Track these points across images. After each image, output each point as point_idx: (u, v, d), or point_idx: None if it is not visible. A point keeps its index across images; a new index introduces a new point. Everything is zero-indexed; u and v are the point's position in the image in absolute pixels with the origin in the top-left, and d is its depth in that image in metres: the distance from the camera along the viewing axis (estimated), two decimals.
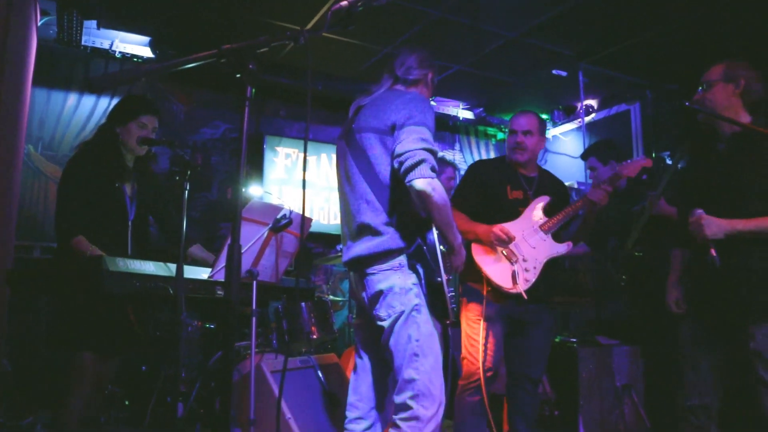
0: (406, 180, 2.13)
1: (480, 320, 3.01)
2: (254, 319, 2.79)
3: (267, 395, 2.98)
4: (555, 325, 3.23)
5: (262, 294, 2.96)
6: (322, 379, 3.30)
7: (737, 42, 4.55)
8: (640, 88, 5.69)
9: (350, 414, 2.40)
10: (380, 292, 2.21)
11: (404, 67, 2.43)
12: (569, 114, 6.57)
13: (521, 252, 3.02)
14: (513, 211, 3.11)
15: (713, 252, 2.33)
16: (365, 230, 2.26)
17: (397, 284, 2.19)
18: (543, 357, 3.16)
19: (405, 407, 2.11)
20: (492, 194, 3.16)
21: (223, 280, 2.70)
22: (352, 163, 2.34)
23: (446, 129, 7.08)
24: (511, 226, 3.00)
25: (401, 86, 2.43)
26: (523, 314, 3.07)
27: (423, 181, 2.10)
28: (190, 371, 3.51)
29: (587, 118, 6.27)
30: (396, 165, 2.17)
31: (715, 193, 2.49)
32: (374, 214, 2.25)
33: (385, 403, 2.43)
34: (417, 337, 2.15)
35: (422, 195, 2.12)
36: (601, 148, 4.08)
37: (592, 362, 3.94)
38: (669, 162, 5.13)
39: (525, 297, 2.94)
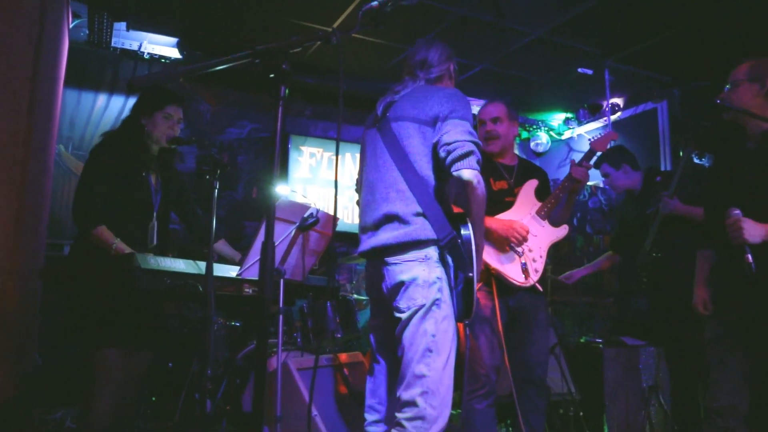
0: (454, 168, 2.13)
1: (479, 321, 2.91)
2: (281, 316, 2.82)
3: (293, 392, 3.02)
4: (551, 323, 3.17)
5: (288, 292, 2.99)
6: (347, 376, 3.32)
7: (766, 37, 4.48)
8: (668, 86, 5.62)
9: (369, 417, 2.38)
10: (401, 284, 2.16)
11: (426, 68, 2.42)
12: (595, 113, 6.50)
13: (526, 243, 2.95)
14: (501, 203, 3.05)
15: (749, 258, 2.26)
16: (391, 219, 2.21)
17: (421, 276, 2.13)
18: (543, 358, 3.04)
19: (412, 404, 2.04)
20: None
21: (251, 278, 2.74)
22: (384, 152, 2.30)
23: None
24: (511, 217, 2.98)
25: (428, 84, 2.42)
26: (518, 309, 2.98)
27: (471, 172, 2.11)
28: (215, 368, 3.55)
29: (613, 117, 6.20)
30: (443, 154, 2.16)
31: (745, 193, 2.45)
32: (404, 204, 2.20)
33: None
34: (433, 332, 2.09)
35: (468, 186, 2.12)
36: (611, 154, 4.07)
37: (618, 363, 3.92)
38: (697, 161, 5.06)
39: (540, 289, 2.93)
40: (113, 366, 2.74)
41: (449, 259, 2.18)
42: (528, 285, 2.90)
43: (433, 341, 2.08)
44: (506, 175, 3.15)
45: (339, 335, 3.60)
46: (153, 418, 4.06)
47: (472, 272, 2.13)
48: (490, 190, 3.03)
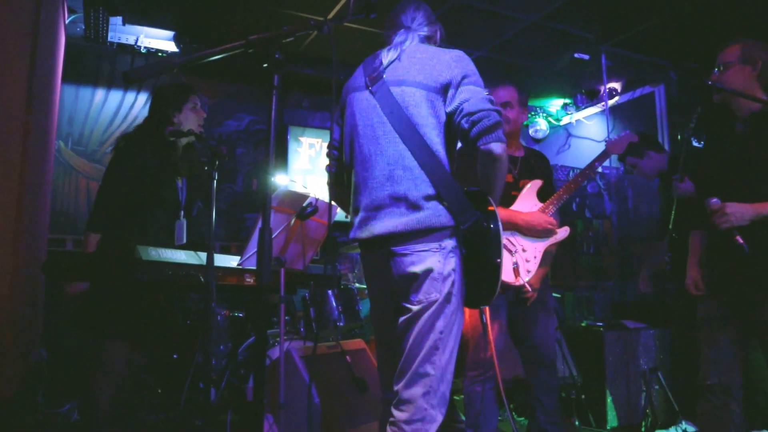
0: (481, 141, 1.90)
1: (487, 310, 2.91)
2: (282, 306, 2.85)
3: (296, 380, 3.05)
4: (556, 305, 3.19)
5: (289, 281, 3.01)
6: (350, 364, 3.36)
7: (760, 18, 4.47)
8: (664, 69, 5.62)
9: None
10: (413, 276, 1.93)
11: (415, 22, 2.19)
12: (592, 98, 6.51)
13: (519, 242, 2.93)
14: (505, 195, 2.92)
15: (740, 239, 2.29)
16: (398, 202, 1.96)
17: (437, 268, 1.91)
18: (549, 339, 3.03)
19: (411, 404, 1.88)
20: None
21: (252, 267, 2.76)
22: (383, 121, 2.02)
23: None
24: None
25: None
26: (521, 299, 2.98)
27: (501, 146, 1.91)
28: (219, 359, 3.59)
29: (611, 102, 6.21)
30: (466, 125, 1.93)
31: (734, 174, 2.46)
32: (413, 184, 1.95)
33: None
34: (441, 329, 1.91)
35: (497, 160, 1.92)
36: (632, 147, 4.07)
37: (619, 346, 3.95)
38: (695, 144, 5.07)
39: (529, 289, 2.87)
40: (117, 357, 2.77)
41: (463, 246, 1.99)
42: (517, 285, 2.87)
43: (440, 338, 1.91)
44: (510, 166, 3.04)
45: (341, 323, 3.64)
46: (158, 408, 4.10)
47: (500, 258, 1.95)
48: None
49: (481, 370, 2.89)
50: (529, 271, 2.90)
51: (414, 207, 1.93)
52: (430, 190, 1.94)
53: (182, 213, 2.93)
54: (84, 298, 2.77)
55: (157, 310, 2.94)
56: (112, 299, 2.72)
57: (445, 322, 1.92)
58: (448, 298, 1.92)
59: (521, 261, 2.90)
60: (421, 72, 2.01)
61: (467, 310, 2.88)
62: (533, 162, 3.13)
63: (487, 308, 2.89)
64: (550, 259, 3.07)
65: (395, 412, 1.90)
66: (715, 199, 2.36)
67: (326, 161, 2.33)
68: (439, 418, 1.89)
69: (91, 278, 2.63)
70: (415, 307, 1.93)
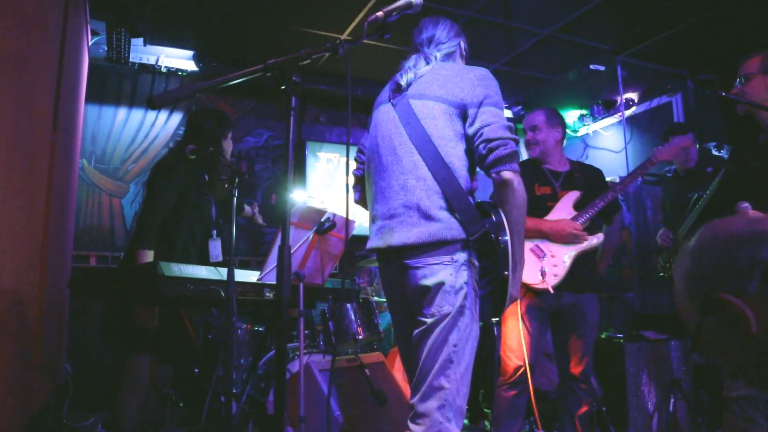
0: (496, 169, 1.93)
1: (513, 317, 3.07)
2: (302, 320, 2.88)
3: (316, 393, 3.07)
4: (600, 319, 3.22)
5: (308, 296, 3.06)
6: (369, 377, 3.37)
7: None
8: (681, 78, 5.60)
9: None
10: (426, 289, 1.94)
11: (434, 45, 2.23)
12: (609, 108, 6.50)
13: (549, 248, 3.06)
14: (542, 207, 3.14)
15: None
16: (410, 211, 1.98)
17: (449, 282, 1.92)
18: (584, 353, 3.12)
19: (428, 417, 1.88)
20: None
21: (272, 282, 2.80)
22: (401, 132, 2.05)
23: None
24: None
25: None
26: (561, 307, 3.11)
27: (511, 174, 1.92)
28: (240, 373, 3.63)
29: (628, 112, 6.20)
30: (483, 151, 1.95)
31: (757, 185, 2.47)
32: (426, 194, 1.97)
33: None
34: (455, 342, 1.91)
35: (508, 186, 1.93)
36: (673, 127, 4.06)
37: (640, 357, 3.92)
38: (715, 152, 5.04)
39: (551, 291, 2.96)
40: (143, 371, 2.85)
41: (476, 259, 2.00)
42: (541, 287, 2.98)
43: (455, 351, 1.91)
44: (552, 179, 3.23)
45: (360, 337, 3.66)
46: (180, 422, 4.15)
47: (508, 270, 1.95)
48: (532, 195, 3.14)
49: (508, 377, 3.04)
50: (556, 275, 3.01)
51: (426, 217, 1.95)
52: (442, 202, 1.96)
53: (215, 232, 3.09)
54: (109, 311, 2.86)
55: (180, 325, 3.02)
56: (139, 316, 2.81)
57: (459, 336, 1.92)
58: (461, 311, 1.93)
59: (549, 266, 3.02)
60: (443, 87, 2.04)
61: (506, 318, 3.09)
62: (578, 175, 3.25)
63: (519, 317, 3.06)
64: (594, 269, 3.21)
65: (411, 426, 1.91)
66: (746, 204, 2.36)
67: (343, 176, 2.42)
68: (456, 431, 1.89)
69: (116, 294, 2.69)
70: (428, 320, 1.94)
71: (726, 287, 0.98)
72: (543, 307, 3.11)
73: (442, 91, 2.03)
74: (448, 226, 1.94)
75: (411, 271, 1.98)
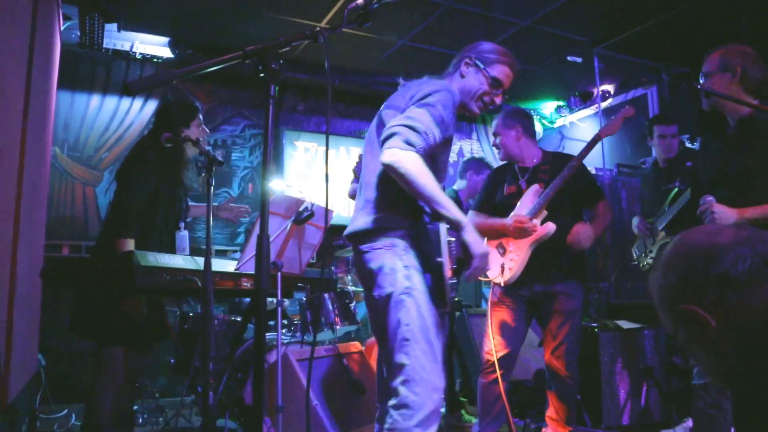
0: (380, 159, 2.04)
1: (489, 307, 3.22)
2: (279, 309, 2.87)
3: (294, 383, 3.07)
4: (581, 309, 3.21)
5: (286, 285, 3.05)
6: (347, 366, 3.38)
7: (753, 18, 4.51)
8: (656, 71, 5.66)
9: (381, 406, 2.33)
10: (372, 272, 2.12)
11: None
12: (586, 100, 6.56)
13: (509, 244, 3.16)
14: (510, 206, 3.21)
15: None
16: (367, 205, 2.19)
17: (387, 264, 2.08)
18: (561, 342, 3.13)
19: (396, 392, 2.00)
20: (493, 196, 3.34)
21: (249, 272, 2.79)
22: (374, 138, 2.27)
23: (463, 119, 7.11)
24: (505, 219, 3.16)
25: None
26: (534, 297, 3.17)
27: (387, 153, 2.00)
28: (217, 363, 3.61)
29: (604, 104, 6.26)
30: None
31: (724, 179, 2.51)
32: (374, 189, 2.18)
33: None
34: (407, 322, 2.02)
35: (388, 169, 2.00)
36: (658, 117, 4.11)
37: (614, 346, 3.97)
38: (688, 145, 5.11)
39: (502, 285, 3.13)
40: (119, 364, 2.82)
41: (420, 246, 2.12)
42: (497, 281, 3.15)
43: (408, 330, 2.02)
44: (519, 177, 3.28)
45: (338, 326, 3.66)
46: (156, 413, 4.12)
47: (440, 257, 2.03)
48: (501, 196, 3.29)
49: (484, 366, 3.18)
50: (510, 269, 3.12)
51: (372, 210, 2.16)
52: (384, 196, 2.16)
53: (182, 224, 3.09)
54: (89, 303, 2.82)
55: (156, 318, 2.99)
56: (114, 306, 2.77)
57: (410, 316, 2.03)
58: (407, 292, 2.05)
59: (507, 261, 3.14)
60: (402, 96, 2.23)
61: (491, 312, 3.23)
62: (546, 167, 3.26)
63: (489, 307, 3.24)
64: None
65: (388, 404, 2.03)
66: (710, 197, 2.41)
67: (322, 165, 2.48)
68: (429, 405, 1.97)
69: (90, 284, 2.65)
70: (379, 303, 2.11)
71: (687, 299, 1.08)
72: (517, 298, 3.19)
73: (399, 100, 2.22)
74: (386, 215, 2.13)
75: (362, 256, 2.18)
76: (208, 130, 3.25)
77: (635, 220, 4.09)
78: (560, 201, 3.12)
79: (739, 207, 2.35)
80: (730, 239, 1.07)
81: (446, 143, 2.20)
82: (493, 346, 3.09)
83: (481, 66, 2.35)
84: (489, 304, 3.27)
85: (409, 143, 1.99)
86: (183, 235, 3.07)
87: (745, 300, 1.03)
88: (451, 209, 2.03)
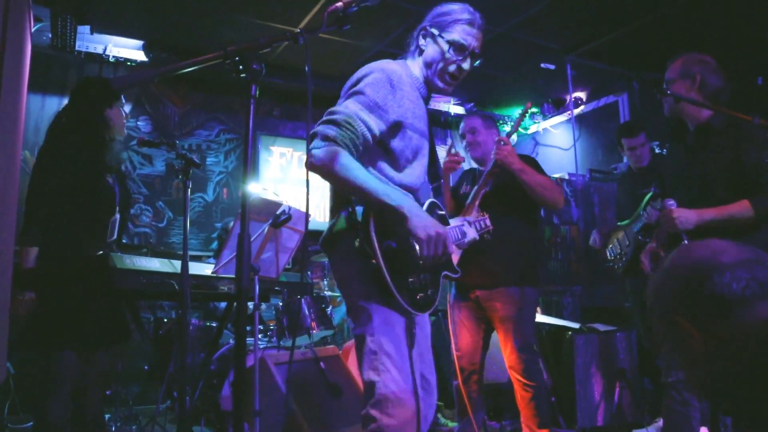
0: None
1: (448, 309, 3.28)
2: (257, 313, 2.86)
3: (271, 387, 3.06)
4: (527, 314, 3.19)
5: (263, 289, 3.02)
6: (324, 370, 3.38)
7: (722, 28, 4.63)
8: (627, 79, 5.78)
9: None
10: (336, 281, 2.03)
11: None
12: (559, 107, 6.66)
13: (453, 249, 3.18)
14: (460, 209, 3.25)
15: (686, 241, 2.42)
16: (330, 213, 2.05)
17: (344, 273, 1.95)
18: (508, 346, 3.10)
19: (369, 419, 1.80)
20: (457, 198, 3.39)
21: (227, 275, 2.77)
22: None
23: (438, 125, 7.17)
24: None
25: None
26: (478, 302, 3.19)
27: (306, 158, 1.82)
28: (192, 369, 3.57)
29: (576, 111, 6.36)
30: None
31: (685, 183, 2.61)
32: (334, 196, 2.03)
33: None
34: (371, 332, 1.85)
35: (319, 171, 1.80)
36: (623, 129, 4.16)
37: (588, 349, 4.02)
38: (657, 151, 5.21)
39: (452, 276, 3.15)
40: (68, 368, 2.64)
41: (369, 250, 1.86)
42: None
43: (372, 341, 1.84)
44: (477, 179, 3.28)
45: (314, 331, 3.65)
46: (130, 422, 4.06)
47: (375, 259, 1.81)
48: (459, 198, 3.34)
49: (453, 368, 3.22)
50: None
51: (331, 217, 2.00)
52: (341, 202, 1.95)
53: (116, 209, 2.88)
54: (40, 309, 2.64)
55: (110, 314, 2.83)
56: (63, 310, 2.59)
57: (372, 326, 1.86)
58: (364, 300, 1.87)
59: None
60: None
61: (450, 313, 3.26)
62: (497, 170, 3.14)
63: (448, 309, 3.28)
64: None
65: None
66: (672, 201, 2.49)
67: (297, 171, 2.43)
68: (407, 428, 1.81)
69: (65, 289, 2.57)
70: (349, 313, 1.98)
71: (679, 310, 1.12)
72: (467, 304, 3.23)
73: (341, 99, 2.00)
74: (339, 222, 1.94)
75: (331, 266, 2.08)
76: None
77: (594, 234, 4.14)
78: (495, 202, 3.10)
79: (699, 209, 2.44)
80: (732, 260, 1.09)
81: (396, 128, 1.95)
82: (454, 350, 3.18)
83: (436, 33, 2.04)
84: (448, 305, 3.30)
85: (326, 138, 1.78)
86: (113, 219, 2.86)
87: (734, 321, 1.06)
88: (390, 195, 1.79)
